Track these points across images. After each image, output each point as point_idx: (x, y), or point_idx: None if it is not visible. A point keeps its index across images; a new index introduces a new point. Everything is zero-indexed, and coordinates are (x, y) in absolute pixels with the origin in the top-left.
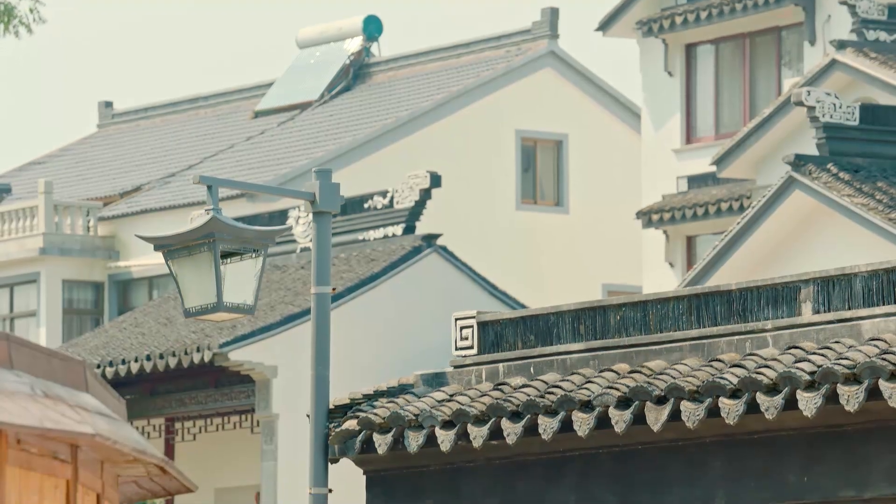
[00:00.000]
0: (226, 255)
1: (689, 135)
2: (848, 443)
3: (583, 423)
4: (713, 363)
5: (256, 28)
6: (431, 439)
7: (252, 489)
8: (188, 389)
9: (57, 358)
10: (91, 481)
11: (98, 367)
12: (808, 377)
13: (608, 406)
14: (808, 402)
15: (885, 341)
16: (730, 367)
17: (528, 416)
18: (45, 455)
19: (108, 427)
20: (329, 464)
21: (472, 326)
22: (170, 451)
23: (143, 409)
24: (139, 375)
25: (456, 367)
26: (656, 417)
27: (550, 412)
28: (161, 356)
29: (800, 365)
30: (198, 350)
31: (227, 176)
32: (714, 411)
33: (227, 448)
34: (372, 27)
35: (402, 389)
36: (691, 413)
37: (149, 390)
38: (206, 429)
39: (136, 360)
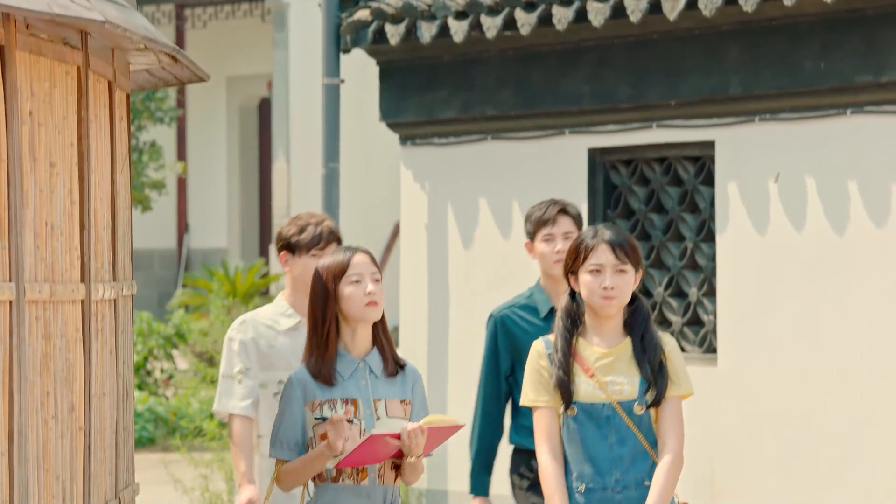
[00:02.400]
0: None
1: None
2: (867, 27)
3: (598, 12)
4: None
5: None
6: (444, 30)
7: (264, 78)
8: None
9: None
10: (102, 69)
11: None
12: None
13: None
14: None
15: None
16: None
17: (543, 6)
18: (55, 41)
19: (118, 14)
20: (341, 54)
21: None
22: (180, 39)
23: None
24: None
25: None
26: (673, 6)
27: (565, 2)
28: None
29: None
30: None
31: None
32: None
33: (238, 37)
34: None
35: None
36: (708, 0)
37: None
38: (216, 16)
39: None
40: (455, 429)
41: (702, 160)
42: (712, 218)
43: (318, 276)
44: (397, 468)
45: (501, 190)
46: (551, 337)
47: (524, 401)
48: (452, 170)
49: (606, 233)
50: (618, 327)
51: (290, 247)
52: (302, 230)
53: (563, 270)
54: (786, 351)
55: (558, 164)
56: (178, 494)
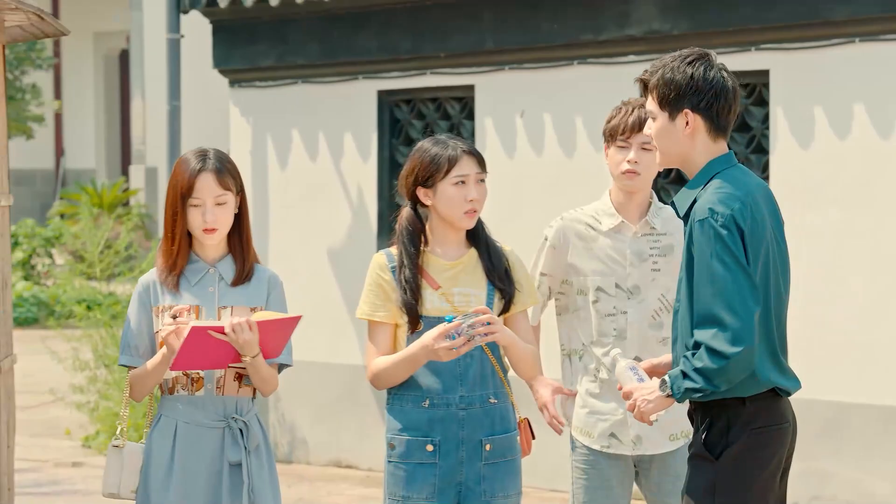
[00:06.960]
0: None
1: None
2: None
3: None
4: None
5: None
6: None
7: (123, 33)
8: None
9: None
10: None
11: None
12: None
13: None
14: None
15: None
16: None
17: None
18: None
19: None
20: (181, 14)
21: None
22: (56, 0)
23: None
24: None
25: None
26: None
27: None
28: None
29: None
30: None
31: None
32: None
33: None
34: None
35: None
36: None
37: None
38: None
39: None
40: (294, 321)
41: (465, 100)
42: None
43: (168, 190)
44: (242, 378)
45: (309, 123)
46: (393, 250)
47: (359, 313)
48: (271, 108)
49: (465, 143)
50: (461, 239)
51: (604, 136)
52: (611, 118)
53: (406, 186)
54: (526, 258)
55: (354, 102)
56: (53, 363)
